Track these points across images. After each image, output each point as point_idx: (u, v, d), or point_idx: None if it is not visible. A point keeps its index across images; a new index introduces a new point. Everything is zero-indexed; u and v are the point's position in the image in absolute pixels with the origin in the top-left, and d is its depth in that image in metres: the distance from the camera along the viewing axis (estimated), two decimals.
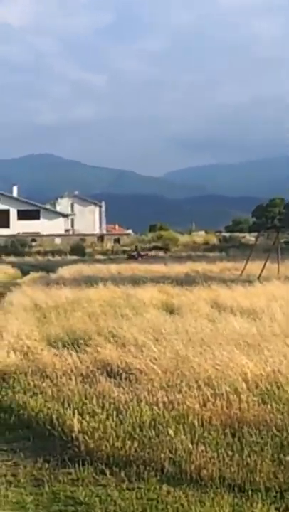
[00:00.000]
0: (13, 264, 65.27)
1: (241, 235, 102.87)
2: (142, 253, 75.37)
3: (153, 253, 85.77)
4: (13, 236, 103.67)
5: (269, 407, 10.37)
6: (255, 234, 76.17)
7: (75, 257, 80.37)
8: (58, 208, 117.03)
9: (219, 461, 8.79)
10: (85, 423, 10.33)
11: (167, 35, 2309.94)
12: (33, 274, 49.50)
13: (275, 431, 9.62)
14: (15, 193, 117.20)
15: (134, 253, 75.25)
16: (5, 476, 9.12)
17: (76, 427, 10.25)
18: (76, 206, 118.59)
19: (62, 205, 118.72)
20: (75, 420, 10.46)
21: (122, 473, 8.81)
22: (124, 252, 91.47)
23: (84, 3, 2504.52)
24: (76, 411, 10.89)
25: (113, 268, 48.73)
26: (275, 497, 7.94)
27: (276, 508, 7.59)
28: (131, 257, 70.97)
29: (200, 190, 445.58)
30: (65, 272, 48.90)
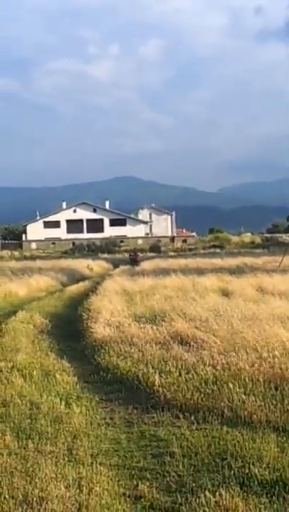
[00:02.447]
0: (106, 260, 65.70)
1: (279, 235, 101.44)
2: (136, 256, 61.42)
3: (212, 250, 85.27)
4: (107, 238, 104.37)
5: None
6: None
7: (153, 254, 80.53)
8: (140, 217, 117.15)
9: (266, 408, 8.76)
10: (163, 379, 10.38)
11: (217, 85, 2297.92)
12: (121, 267, 49.71)
13: None
14: (107, 206, 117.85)
15: (136, 256, 61.68)
16: (104, 419, 9.19)
17: (157, 382, 10.31)
18: (153, 215, 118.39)
19: (143, 214, 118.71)
20: (156, 377, 10.52)
21: (192, 418, 8.81)
22: (190, 249, 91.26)
23: (153, 62, 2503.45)
24: (156, 370, 10.94)
25: (182, 262, 48.60)
26: None
27: None
28: (132, 261, 56.14)
29: (246, 201, 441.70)
30: (145, 265, 49.00)
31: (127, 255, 71.15)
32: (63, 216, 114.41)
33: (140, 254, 68.52)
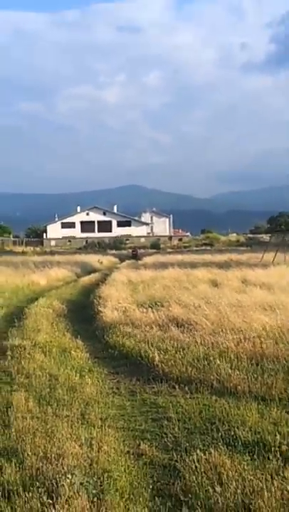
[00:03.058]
0: (114, 255, 65.70)
1: (260, 235, 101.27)
2: (136, 252, 63.79)
3: (203, 247, 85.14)
4: (114, 237, 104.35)
5: (280, 346, 10.27)
6: (269, 235, 75.16)
7: (153, 250, 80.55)
8: (143, 219, 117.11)
9: (248, 381, 8.77)
10: (162, 356, 10.39)
11: (210, 107, 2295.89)
12: (127, 261, 49.74)
13: (284, 361, 9.55)
14: (115, 210, 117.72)
15: (136, 252, 64.87)
16: (112, 388, 9.21)
17: (156, 358, 10.32)
18: (154, 218, 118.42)
19: (145, 217, 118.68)
20: (156, 354, 10.53)
21: (186, 388, 8.81)
22: (185, 247, 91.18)
23: (154, 89, 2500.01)
24: (156, 348, 10.95)
25: (178, 257, 48.65)
26: (285, 404, 7.87)
27: (286, 412, 7.52)
28: (133, 257, 59.00)
29: (233, 206, 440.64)
30: (147, 259, 49.00)
31: (130, 251, 71.25)
32: (78, 218, 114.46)
33: (141, 251, 68.50)
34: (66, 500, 4.99)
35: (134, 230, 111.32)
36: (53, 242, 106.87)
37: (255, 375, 8.96)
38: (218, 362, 9.62)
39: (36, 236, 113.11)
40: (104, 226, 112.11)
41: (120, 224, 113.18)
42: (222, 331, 11.59)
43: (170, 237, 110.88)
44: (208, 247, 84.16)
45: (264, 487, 5.17)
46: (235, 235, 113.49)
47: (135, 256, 54.71)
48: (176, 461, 6.10)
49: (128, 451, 6.42)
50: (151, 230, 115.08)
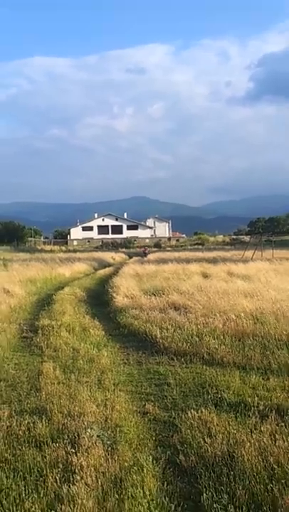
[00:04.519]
0: (124, 253, 65.62)
1: (241, 237, 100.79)
2: (146, 251, 58.73)
3: (196, 246, 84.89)
4: (125, 238, 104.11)
5: (257, 325, 10.22)
6: (249, 236, 75.00)
7: (156, 249, 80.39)
8: (147, 224, 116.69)
9: (232, 354, 8.75)
10: (163, 333, 10.38)
11: (204, 133, 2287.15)
12: (134, 258, 49.67)
13: (260, 338, 9.51)
14: (125, 216, 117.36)
15: (146, 251, 59.09)
16: (122, 360, 9.20)
17: (158, 335, 10.30)
18: (156, 223, 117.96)
19: (149, 222, 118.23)
20: (158, 332, 10.52)
21: (182, 359, 8.82)
22: (181, 246, 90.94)
23: (158, 117, 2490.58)
24: (158, 327, 10.95)
25: (176, 254, 48.49)
26: (262, 372, 7.84)
27: (262, 378, 7.49)
28: (144, 254, 54.22)
29: (220, 213, 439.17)
30: (150, 256, 48.90)
31: (139, 249, 71.12)
32: (95, 223, 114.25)
33: (148, 249, 68.31)
34: (86, 449, 5.00)
35: (140, 233, 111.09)
36: (75, 242, 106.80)
37: (238, 349, 8.95)
38: (208, 338, 9.60)
39: (62, 237, 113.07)
40: (117, 229, 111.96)
41: (129, 227, 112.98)
42: (211, 313, 11.56)
43: (169, 238, 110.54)
44: (200, 246, 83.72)
45: (245, 439, 5.17)
46: (221, 236, 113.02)
47: (146, 255, 52.97)
48: (174, 418, 6.09)
49: (136, 410, 6.42)
50: (154, 232, 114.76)
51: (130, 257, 53.56)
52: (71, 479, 4.47)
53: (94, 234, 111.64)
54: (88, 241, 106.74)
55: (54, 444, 5.19)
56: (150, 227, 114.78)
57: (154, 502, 4.27)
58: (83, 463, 4.71)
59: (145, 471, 4.68)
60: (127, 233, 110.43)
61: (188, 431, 5.55)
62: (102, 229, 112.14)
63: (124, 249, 79.93)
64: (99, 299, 17.66)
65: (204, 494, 4.34)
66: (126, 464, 4.81)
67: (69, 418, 5.87)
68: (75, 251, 72.77)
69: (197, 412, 5.98)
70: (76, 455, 4.87)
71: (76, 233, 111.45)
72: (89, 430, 5.41)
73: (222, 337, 9.70)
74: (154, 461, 4.94)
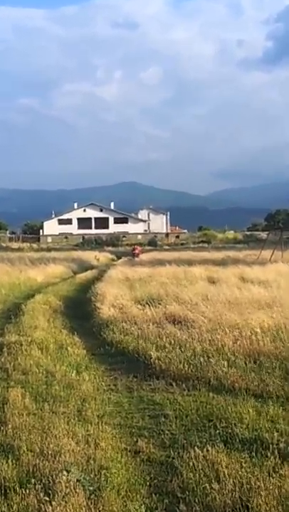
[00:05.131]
0: (110, 252, 65.73)
1: (257, 233, 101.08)
2: (137, 251, 54.54)
3: (200, 245, 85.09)
4: (111, 234, 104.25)
5: (277, 344, 10.27)
6: (267, 232, 75.20)
7: (150, 247, 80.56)
8: (140, 216, 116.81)
9: (246, 378, 8.77)
10: (159, 353, 10.38)
11: (210, 104, 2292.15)
12: (123, 258, 49.74)
13: (281, 359, 9.55)
14: (112, 207, 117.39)
15: (137, 251, 55.15)
16: (108, 385, 9.20)
17: (153, 355, 10.29)
18: (151, 215, 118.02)
19: (142, 214, 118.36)
20: (153, 351, 10.52)
21: (183, 385, 8.82)
22: (182, 244, 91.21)
23: (154, 84, 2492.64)
24: (153, 345, 10.97)
25: (175, 254, 48.56)
26: (283, 402, 7.87)
27: (283, 409, 7.52)
28: (133, 255, 52.49)
29: (230, 204, 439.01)
30: (143, 256, 49.02)
31: (128, 248, 70.96)
32: (75, 215, 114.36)
33: (140, 248, 67.99)
34: (63, 497, 4.99)
35: (131, 227, 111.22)
36: (49, 239, 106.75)
37: (253, 373, 8.97)
38: (216, 359, 9.61)
39: (33, 232, 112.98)
40: (101, 223, 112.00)
41: (117, 221, 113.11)
42: (220, 328, 11.58)
43: (167, 234, 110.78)
44: (206, 245, 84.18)
45: (262, 485, 5.17)
46: (232, 232, 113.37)
47: (136, 255, 51.61)
48: (174, 458, 6.09)
49: (125, 448, 6.42)
50: (148, 227, 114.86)
51: (118, 258, 53.74)
52: None
53: (73, 228, 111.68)
54: (66, 237, 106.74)
55: (23, 490, 5.17)
56: (143, 221, 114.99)
57: None
58: None
59: None
60: (114, 228, 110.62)
61: (191, 474, 5.55)
62: (84, 222, 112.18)
63: (110, 248, 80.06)
64: (79, 310, 17.64)
65: None
66: None
67: (42, 458, 5.85)
68: (49, 249, 72.89)
69: (202, 451, 5.97)
70: (51, 504, 4.86)
71: (51, 227, 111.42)
72: (66, 473, 5.39)
73: (233, 358, 9.70)
74: None
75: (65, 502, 4.90)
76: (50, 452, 5.97)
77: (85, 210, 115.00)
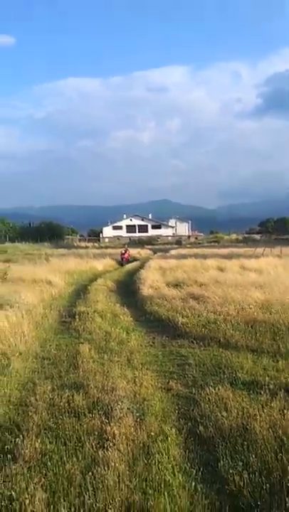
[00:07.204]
0: (149, 249, 65.56)
1: (253, 235, 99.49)
2: (125, 255, 35.30)
3: (212, 243, 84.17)
4: (149, 236, 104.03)
5: (267, 314, 10.10)
6: (260, 235, 73.96)
7: (176, 246, 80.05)
8: (169, 223, 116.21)
9: (245, 338, 8.69)
10: (183, 319, 10.36)
11: (215, 144, 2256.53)
12: (158, 254, 49.57)
13: (270, 325, 9.38)
14: (150, 217, 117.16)
15: (125, 254, 35.71)
16: (148, 342, 9.22)
17: (180, 321, 10.29)
18: (177, 223, 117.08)
19: (171, 222, 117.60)
20: (180, 318, 10.51)
21: (201, 343, 8.78)
22: (199, 243, 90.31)
23: (176, 130, 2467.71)
24: (179, 314, 10.93)
25: (195, 250, 48.12)
26: (272, 355, 7.76)
27: (272, 360, 7.42)
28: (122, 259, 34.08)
29: (233, 215, 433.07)
30: (173, 252, 48.76)
31: (162, 246, 70.47)
32: (124, 223, 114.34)
33: (167, 246, 67.07)
34: (118, 420, 5.03)
35: (163, 231, 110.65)
36: (106, 240, 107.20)
37: (250, 335, 8.87)
38: (224, 325, 9.54)
39: (95, 235, 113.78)
40: (143, 228, 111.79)
41: (153, 227, 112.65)
42: (226, 302, 11.48)
43: (189, 236, 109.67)
44: (216, 244, 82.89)
45: (257, 413, 5.11)
46: (235, 234, 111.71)
47: (122, 259, 33.89)
48: (194, 394, 6.07)
49: (160, 387, 6.43)
50: (176, 231, 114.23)
51: (155, 253, 53.45)
52: (105, 445, 4.51)
53: (123, 232, 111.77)
54: (118, 238, 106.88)
55: (90, 414, 5.23)
56: (172, 227, 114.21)
57: (178, 467, 4.27)
58: (116, 431, 4.74)
59: (169, 440, 4.69)
60: (151, 232, 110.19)
61: (207, 405, 5.53)
62: (130, 228, 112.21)
63: (149, 246, 79.79)
64: (127, 290, 17.70)
65: (221, 461, 4.33)
66: (153, 433, 4.81)
67: (103, 392, 5.91)
68: (106, 247, 73.03)
69: (214, 389, 5.95)
70: (109, 425, 4.90)
71: (107, 232, 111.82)
72: (120, 403, 5.43)
73: (236, 324, 9.62)
74: (177, 432, 4.95)
75: (120, 423, 4.94)
76: (108, 388, 6.02)
77: (131, 220, 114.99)
